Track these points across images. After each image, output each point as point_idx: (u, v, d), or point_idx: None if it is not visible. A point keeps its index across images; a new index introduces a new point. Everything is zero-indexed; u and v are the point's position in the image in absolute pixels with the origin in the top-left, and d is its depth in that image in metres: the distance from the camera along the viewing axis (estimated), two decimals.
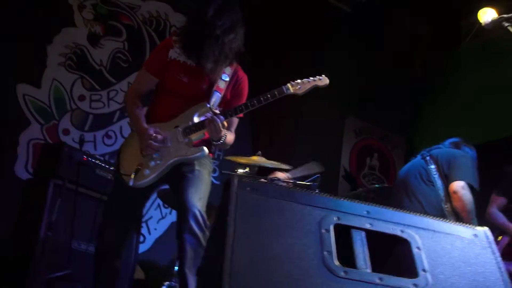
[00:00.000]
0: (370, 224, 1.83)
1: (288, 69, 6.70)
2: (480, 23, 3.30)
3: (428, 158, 3.90)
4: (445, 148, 4.06)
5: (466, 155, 3.92)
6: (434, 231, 1.91)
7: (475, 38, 6.93)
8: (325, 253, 1.72)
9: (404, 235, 1.87)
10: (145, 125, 3.08)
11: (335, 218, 1.79)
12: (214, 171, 6.22)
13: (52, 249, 3.92)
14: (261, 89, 3.13)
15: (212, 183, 3.25)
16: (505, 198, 4.73)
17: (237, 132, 3.36)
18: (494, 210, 4.69)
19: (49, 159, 4.31)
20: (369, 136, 7.93)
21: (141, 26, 6.19)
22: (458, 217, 3.55)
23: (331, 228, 1.77)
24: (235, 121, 3.28)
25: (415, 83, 7.77)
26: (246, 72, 3.38)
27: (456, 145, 4.09)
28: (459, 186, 3.61)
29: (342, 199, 1.86)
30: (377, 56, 7.34)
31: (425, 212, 3.59)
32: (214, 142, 3.12)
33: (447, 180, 3.71)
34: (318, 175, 4.73)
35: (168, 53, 3.16)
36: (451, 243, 1.92)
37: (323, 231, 1.75)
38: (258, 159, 4.43)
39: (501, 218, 4.65)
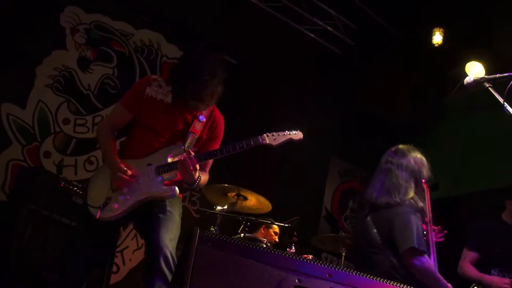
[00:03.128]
0: None
1: (274, 107, 6.74)
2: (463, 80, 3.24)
3: (368, 219, 3.46)
4: (380, 208, 3.44)
5: (400, 211, 3.34)
6: None
7: (461, 90, 6.98)
8: None
9: None
10: (118, 159, 3.07)
11: (296, 280, 1.75)
12: (194, 203, 6.19)
13: (21, 276, 3.84)
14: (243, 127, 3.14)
15: (191, 215, 3.23)
16: (476, 252, 4.73)
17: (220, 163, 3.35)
18: (466, 264, 4.69)
19: (25, 183, 4.25)
20: (353, 179, 7.89)
21: (132, 54, 6.18)
22: (416, 282, 3.31)
23: None
24: (210, 162, 3.27)
25: (398, 129, 7.79)
26: (229, 105, 3.38)
27: (389, 194, 3.42)
28: (412, 260, 3.16)
29: (304, 259, 1.82)
30: (363, 98, 7.39)
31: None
32: (187, 186, 3.11)
33: (393, 245, 3.40)
34: (298, 217, 4.71)
35: (146, 90, 3.18)
36: None
37: None
38: None
39: (473, 271, 4.66)
